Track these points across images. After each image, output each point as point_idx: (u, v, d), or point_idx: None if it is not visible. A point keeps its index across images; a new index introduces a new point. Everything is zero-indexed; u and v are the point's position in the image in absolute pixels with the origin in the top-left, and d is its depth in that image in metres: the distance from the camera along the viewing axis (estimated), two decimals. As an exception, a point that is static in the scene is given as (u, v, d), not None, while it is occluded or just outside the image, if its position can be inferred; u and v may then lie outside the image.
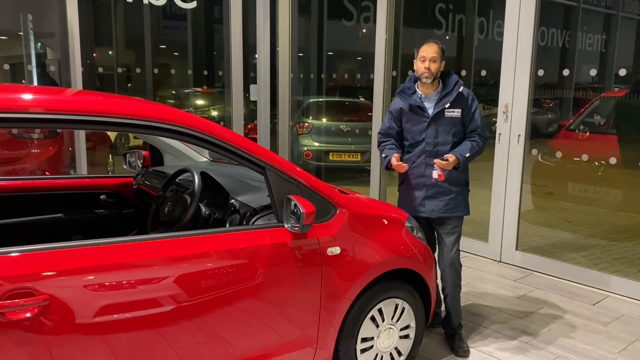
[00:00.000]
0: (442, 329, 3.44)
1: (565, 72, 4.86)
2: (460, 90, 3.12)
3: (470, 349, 3.23)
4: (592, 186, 5.14)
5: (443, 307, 3.56)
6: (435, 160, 3.07)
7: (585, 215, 5.51)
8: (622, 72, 4.40)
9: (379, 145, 3.33)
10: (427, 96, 3.17)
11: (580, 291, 4.19)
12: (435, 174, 3.10)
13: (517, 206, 4.64)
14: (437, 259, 3.28)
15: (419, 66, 3.09)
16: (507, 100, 4.58)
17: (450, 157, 3.05)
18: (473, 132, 3.18)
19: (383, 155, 3.23)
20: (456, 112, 3.13)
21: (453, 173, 3.16)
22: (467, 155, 3.09)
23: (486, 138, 3.23)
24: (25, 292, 1.69)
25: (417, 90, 3.19)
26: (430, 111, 3.14)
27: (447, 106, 3.11)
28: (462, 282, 4.04)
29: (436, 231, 3.30)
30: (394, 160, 3.11)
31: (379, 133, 3.35)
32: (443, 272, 3.27)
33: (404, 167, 3.12)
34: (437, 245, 3.34)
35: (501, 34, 4.66)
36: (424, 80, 3.10)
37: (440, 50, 3.07)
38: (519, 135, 4.53)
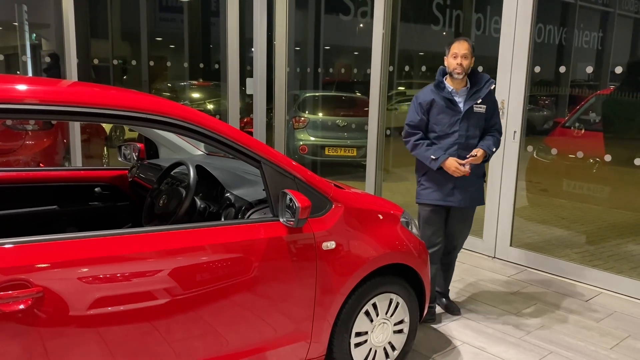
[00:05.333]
0: (436, 323, 3.49)
1: (562, 69, 4.87)
2: (492, 87, 3.33)
3: (464, 344, 3.25)
4: (587, 183, 5.16)
5: (440, 302, 3.61)
6: (470, 159, 3.22)
7: (580, 212, 5.54)
8: (618, 69, 4.41)
9: (407, 136, 3.41)
10: (457, 91, 3.33)
11: (574, 288, 4.21)
12: (466, 168, 3.23)
13: (512, 202, 4.65)
14: (446, 242, 3.50)
15: (451, 62, 3.27)
16: (503, 97, 4.59)
17: (479, 151, 3.24)
18: (492, 128, 3.41)
19: (432, 156, 3.28)
20: (483, 108, 3.34)
21: (479, 165, 3.34)
22: (494, 149, 3.34)
23: (501, 133, 3.47)
24: (19, 284, 1.68)
25: (447, 85, 3.34)
26: (461, 105, 3.31)
27: (478, 102, 3.30)
28: (457, 278, 4.13)
29: (451, 220, 3.46)
30: (454, 162, 3.21)
31: (407, 124, 3.42)
32: (454, 249, 3.57)
33: (467, 172, 3.23)
34: (446, 232, 3.50)
35: (498, 30, 4.66)
36: (455, 75, 3.26)
37: (470, 47, 3.26)
38: (515, 132, 4.54)
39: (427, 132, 3.39)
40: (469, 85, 3.34)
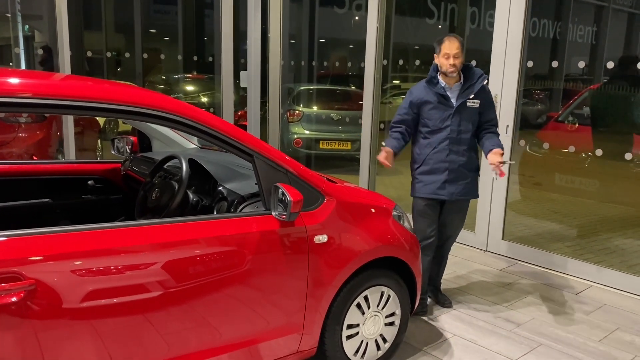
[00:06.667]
0: (427, 315, 3.52)
1: (555, 64, 4.89)
2: (484, 83, 3.34)
3: (455, 337, 3.28)
4: (579, 177, 5.19)
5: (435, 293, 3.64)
6: (498, 164, 3.17)
7: (572, 206, 5.57)
8: (610, 64, 4.43)
9: (391, 128, 3.49)
10: (450, 87, 3.35)
11: (564, 281, 4.25)
12: (496, 174, 3.21)
13: (504, 196, 4.68)
14: (439, 234, 3.54)
15: (444, 63, 3.28)
16: (497, 91, 4.60)
17: (499, 151, 3.24)
18: (489, 122, 3.44)
19: (383, 143, 3.41)
20: (476, 103, 3.36)
21: (473, 157, 3.41)
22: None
23: (497, 127, 3.52)
24: (12, 277, 1.69)
25: (440, 80, 3.36)
26: (454, 101, 3.33)
27: (470, 97, 3.32)
28: (449, 271, 4.17)
29: (445, 213, 3.50)
30: (383, 154, 3.29)
31: (397, 115, 3.47)
32: (447, 240, 3.60)
33: (387, 165, 3.29)
34: (439, 225, 3.54)
35: (492, 24, 4.66)
36: (449, 75, 3.29)
37: (461, 45, 3.26)
38: (508, 126, 4.56)
39: (420, 126, 3.42)
40: (462, 81, 3.36)
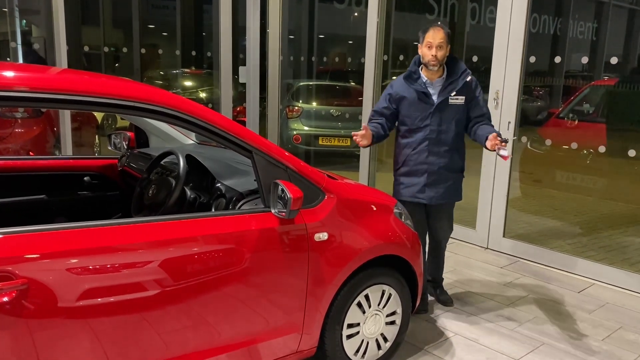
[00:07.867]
0: (429, 314, 3.48)
1: (557, 60, 4.85)
2: (467, 79, 3.11)
3: (456, 336, 3.24)
4: (580, 174, 5.16)
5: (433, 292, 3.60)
6: (500, 142, 2.90)
7: (573, 203, 5.54)
8: (614, 60, 4.39)
9: (369, 122, 3.31)
10: (431, 82, 3.15)
11: (566, 279, 4.22)
12: (505, 153, 2.90)
13: (505, 193, 4.64)
14: (428, 237, 3.47)
15: (426, 53, 3.07)
16: (498, 87, 4.56)
17: (496, 135, 2.94)
18: (481, 117, 3.21)
19: (364, 124, 3.23)
20: (460, 99, 3.14)
21: (455, 158, 3.21)
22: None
23: (491, 121, 3.31)
24: (3, 276, 1.64)
25: (422, 75, 3.16)
26: (435, 98, 3.13)
27: (452, 94, 3.11)
28: (450, 269, 4.13)
29: (431, 217, 3.38)
30: (362, 131, 3.06)
31: (373, 110, 3.33)
32: (439, 243, 3.51)
33: (361, 142, 3.08)
34: (428, 228, 3.44)
35: (493, 20, 4.62)
36: (430, 67, 3.08)
37: (446, 35, 3.05)
38: (509, 122, 4.52)
39: (399, 124, 3.27)
40: (445, 76, 3.15)
